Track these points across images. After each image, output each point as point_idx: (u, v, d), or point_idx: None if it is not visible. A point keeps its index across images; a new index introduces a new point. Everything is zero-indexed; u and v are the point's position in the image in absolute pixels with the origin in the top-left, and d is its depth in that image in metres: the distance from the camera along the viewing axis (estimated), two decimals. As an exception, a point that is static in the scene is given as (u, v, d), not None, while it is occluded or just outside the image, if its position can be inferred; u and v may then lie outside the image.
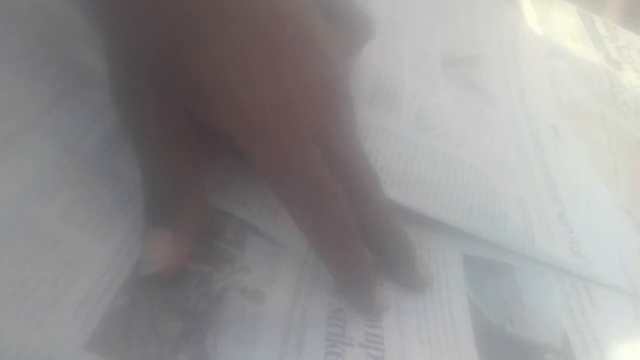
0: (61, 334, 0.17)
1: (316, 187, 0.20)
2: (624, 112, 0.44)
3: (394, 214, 0.23)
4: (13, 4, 0.22)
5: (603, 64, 0.48)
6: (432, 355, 0.21)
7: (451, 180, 0.27)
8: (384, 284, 0.23)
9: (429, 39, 0.38)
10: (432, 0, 0.42)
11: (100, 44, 0.21)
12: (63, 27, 0.23)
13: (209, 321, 0.19)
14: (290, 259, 0.22)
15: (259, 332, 0.19)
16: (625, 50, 0.52)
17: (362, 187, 0.22)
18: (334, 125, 0.22)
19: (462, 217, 0.26)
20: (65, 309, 0.17)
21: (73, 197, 0.19)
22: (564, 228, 0.30)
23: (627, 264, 0.30)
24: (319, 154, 0.20)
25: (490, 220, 0.27)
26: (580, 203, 0.32)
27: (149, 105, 0.20)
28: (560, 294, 0.27)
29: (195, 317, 0.19)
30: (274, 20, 0.21)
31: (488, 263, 0.26)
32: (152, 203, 0.20)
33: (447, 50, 0.38)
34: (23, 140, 0.20)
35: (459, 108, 0.33)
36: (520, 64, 0.42)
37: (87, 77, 0.22)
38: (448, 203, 0.26)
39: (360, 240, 0.21)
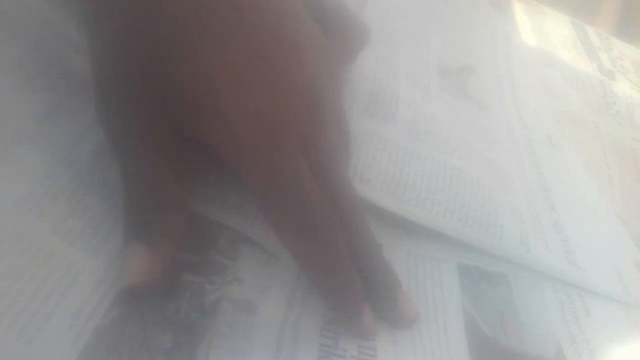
0: (53, 348, 0.16)
1: (302, 200, 0.19)
2: (618, 121, 0.44)
3: (378, 243, 0.22)
4: (7, 13, 0.22)
5: (596, 74, 0.48)
6: (426, 367, 0.21)
7: (446, 188, 0.27)
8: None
9: (423, 49, 0.38)
10: (427, 10, 0.42)
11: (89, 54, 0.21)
12: (57, 37, 0.23)
13: (201, 333, 0.19)
14: (284, 270, 0.22)
15: (251, 344, 0.19)
16: (618, 61, 0.52)
17: (346, 208, 0.21)
18: (319, 138, 0.21)
19: (457, 225, 0.26)
20: (58, 323, 0.17)
21: (66, 209, 0.19)
22: (559, 237, 0.30)
23: (622, 272, 0.30)
24: (305, 165, 0.20)
25: (485, 229, 0.27)
26: (575, 212, 0.32)
27: (133, 117, 0.20)
28: (555, 304, 0.27)
29: (187, 328, 0.19)
30: (262, 31, 0.21)
31: (483, 272, 0.26)
32: (130, 216, 0.19)
33: (442, 60, 0.38)
34: (17, 151, 0.20)
35: (454, 117, 0.33)
36: (514, 73, 0.42)
37: (81, 88, 0.22)
38: (443, 211, 0.26)
39: (349, 261, 0.20)
